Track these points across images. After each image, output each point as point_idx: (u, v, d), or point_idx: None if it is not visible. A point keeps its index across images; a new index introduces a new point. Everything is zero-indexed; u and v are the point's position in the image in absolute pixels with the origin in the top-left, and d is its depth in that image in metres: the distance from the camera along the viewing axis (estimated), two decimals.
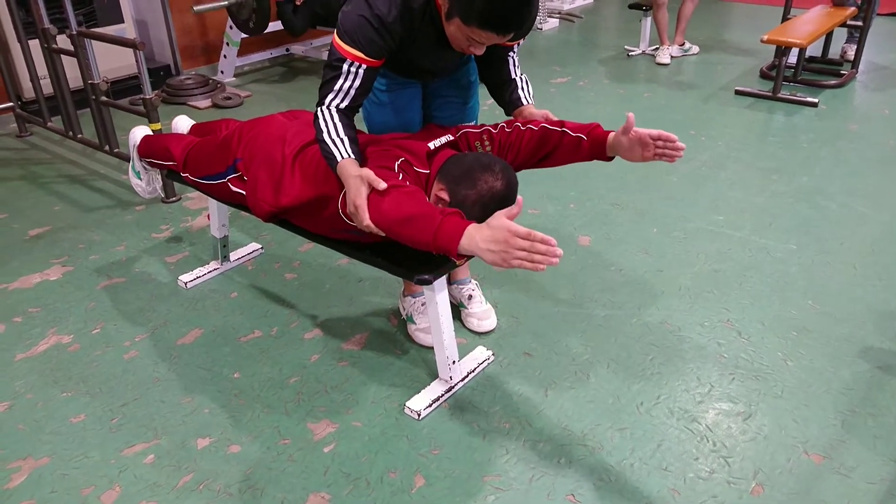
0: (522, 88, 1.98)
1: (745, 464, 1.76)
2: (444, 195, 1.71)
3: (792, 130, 3.91)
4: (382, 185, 1.62)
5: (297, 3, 4.51)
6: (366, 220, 1.64)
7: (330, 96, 1.75)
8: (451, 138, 1.87)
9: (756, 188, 3.22)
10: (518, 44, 1.95)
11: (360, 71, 1.73)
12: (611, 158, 1.82)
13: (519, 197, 1.52)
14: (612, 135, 1.78)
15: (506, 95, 1.99)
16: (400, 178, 1.68)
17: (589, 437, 1.85)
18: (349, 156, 1.71)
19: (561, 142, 1.83)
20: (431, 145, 1.81)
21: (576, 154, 1.84)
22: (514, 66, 1.99)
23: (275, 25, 4.96)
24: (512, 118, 1.97)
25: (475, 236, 1.45)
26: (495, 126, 1.91)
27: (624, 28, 6.28)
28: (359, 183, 1.65)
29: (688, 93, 4.56)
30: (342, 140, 1.73)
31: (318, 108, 1.77)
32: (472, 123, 2.12)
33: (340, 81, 1.74)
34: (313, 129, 1.93)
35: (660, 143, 1.71)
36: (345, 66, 1.73)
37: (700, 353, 2.16)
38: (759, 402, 1.96)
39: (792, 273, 2.56)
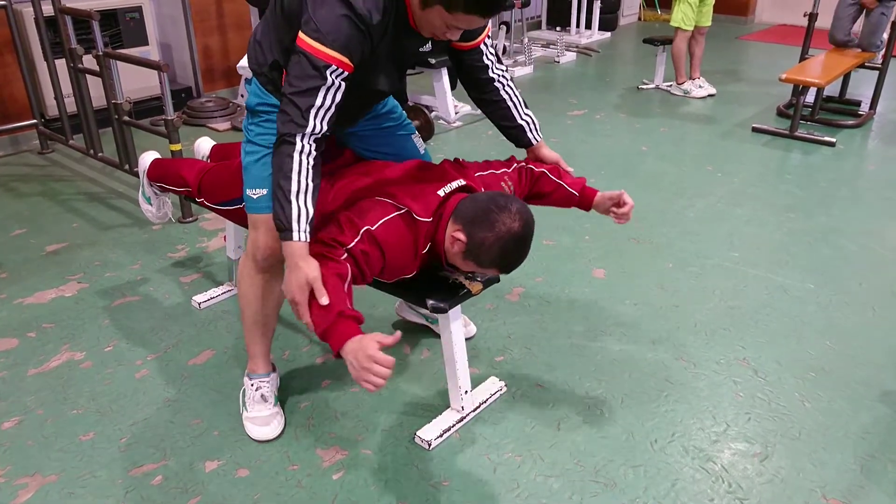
0: (530, 130, 2.01)
1: None
2: (461, 236, 1.68)
3: (809, 169, 3.90)
4: (325, 300, 1.50)
5: None
6: (306, 317, 1.54)
7: (312, 114, 1.48)
8: (463, 183, 1.82)
9: (772, 226, 3.20)
10: (485, 41, 1.84)
11: (341, 81, 1.49)
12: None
13: (398, 332, 1.49)
14: (597, 196, 1.97)
15: (518, 141, 2.04)
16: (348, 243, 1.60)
17: (602, 473, 1.82)
18: (305, 239, 1.53)
19: (555, 192, 1.98)
20: (441, 192, 1.76)
21: (564, 203, 2.01)
22: (518, 105, 1.97)
23: None
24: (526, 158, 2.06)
25: (347, 347, 1.46)
26: (509, 165, 1.99)
27: (640, 62, 6.32)
28: (304, 281, 1.50)
29: (704, 128, 4.57)
30: (307, 211, 1.52)
31: (295, 136, 1.50)
32: (424, 158, 2.06)
33: (322, 94, 1.47)
34: (331, 153, 1.92)
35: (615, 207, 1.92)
36: (329, 75, 1.46)
37: (715, 390, 2.13)
38: (776, 443, 1.93)
39: (809, 312, 2.53)
